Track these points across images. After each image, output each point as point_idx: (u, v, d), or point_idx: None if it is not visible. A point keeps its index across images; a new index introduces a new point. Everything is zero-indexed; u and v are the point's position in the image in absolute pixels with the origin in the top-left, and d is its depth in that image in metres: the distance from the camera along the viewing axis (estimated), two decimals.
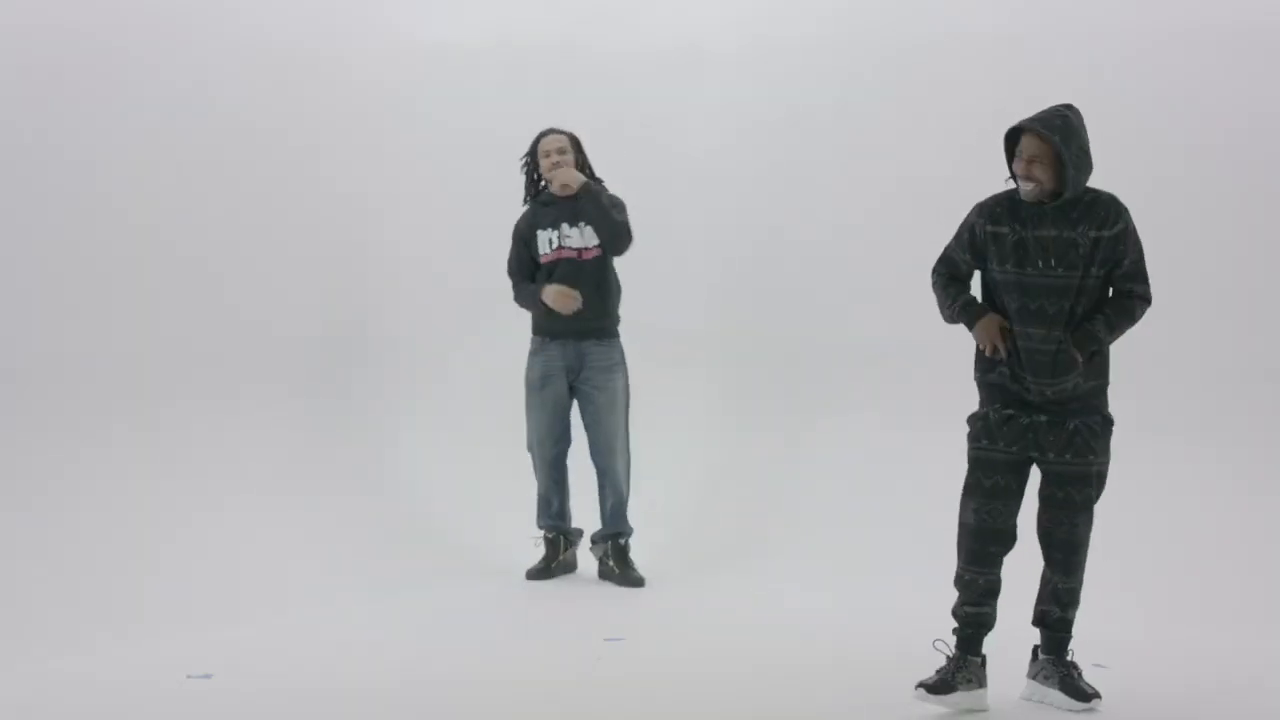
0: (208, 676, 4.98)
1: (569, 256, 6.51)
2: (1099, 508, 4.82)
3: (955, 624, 4.77)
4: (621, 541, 6.54)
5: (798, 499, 7.13)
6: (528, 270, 6.60)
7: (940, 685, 4.66)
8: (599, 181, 6.61)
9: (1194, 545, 6.23)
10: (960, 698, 4.67)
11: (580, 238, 6.51)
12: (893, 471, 6.86)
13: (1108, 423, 4.76)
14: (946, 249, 4.89)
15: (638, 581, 6.44)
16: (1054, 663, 4.72)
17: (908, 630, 4.92)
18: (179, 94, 6.91)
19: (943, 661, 4.73)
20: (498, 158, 6.90)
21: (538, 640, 5.73)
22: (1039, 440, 4.69)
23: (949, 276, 4.88)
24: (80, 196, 6.57)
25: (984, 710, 4.72)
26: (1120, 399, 6.71)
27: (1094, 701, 4.64)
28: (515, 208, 6.75)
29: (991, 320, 4.71)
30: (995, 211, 4.76)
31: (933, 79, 7.26)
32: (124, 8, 6.81)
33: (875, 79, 7.49)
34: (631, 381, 6.71)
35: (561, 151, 6.53)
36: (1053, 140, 4.60)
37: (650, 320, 7.55)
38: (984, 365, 4.79)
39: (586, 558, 6.72)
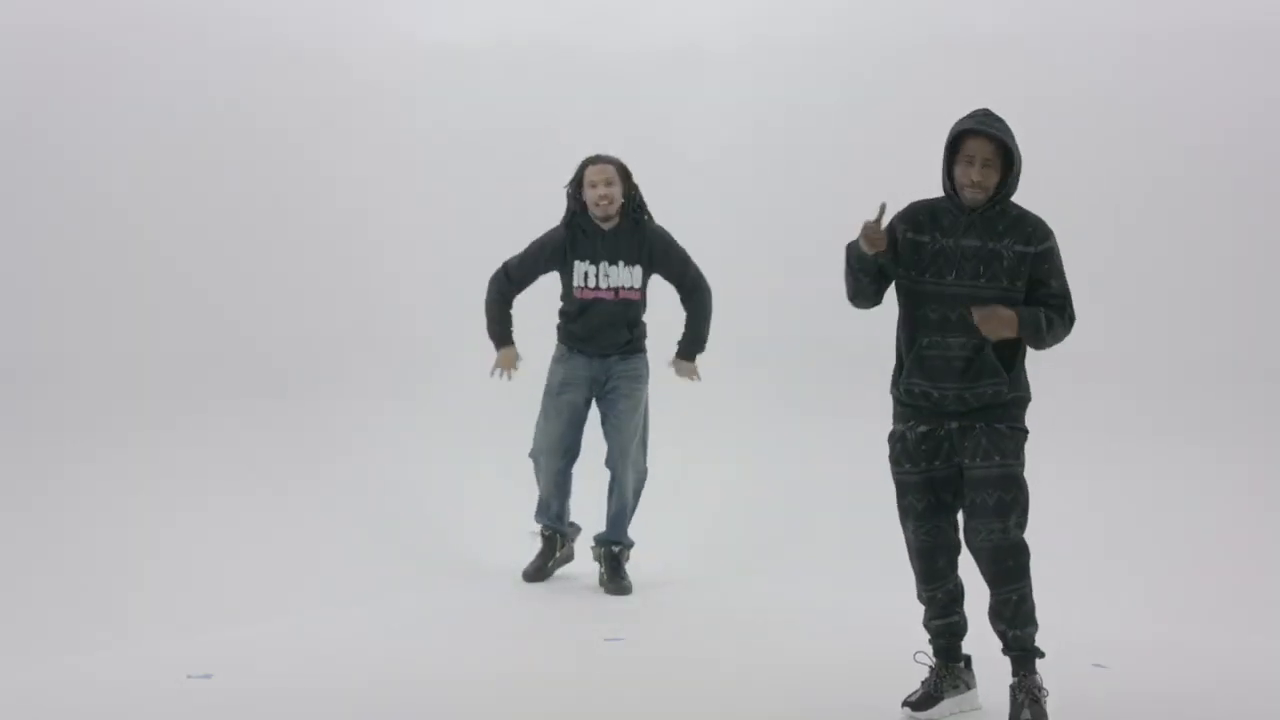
0: (208, 676, 4.98)
1: (606, 296, 6.38)
2: (1100, 507, 4.80)
3: (929, 636, 4.75)
4: (615, 550, 6.49)
5: (800, 500, 7.13)
6: (527, 281, 6.45)
7: (925, 700, 4.64)
8: (644, 211, 6.43)
9: (1194, 545, 6.23)
10: (949, 704, 4.66)
11: (620, 276, 6.38)
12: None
13: (1016, 431, 4.58)
14: None
15: (624, 590, 6.38)
16: (1012, 687, 4.56)
17: (911, 632, 4.91)
18: (178, 94, 6.92)
19: (926, 674, 4.72)
20: (497, 158, 6.91)
21: (538, 640, 5.73)
22: (955, 446, 4.60)
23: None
24: (80, 197, 6.58)
25: (978, 709, 4.73)
26: (1120, 400, 6.76)
27: None
28: (514, 208, 6.75)
29: (865, 228, 4.48)
30: (918, 219, 4.64)
31: (932, 79, 7.27)
32: (124, 8, 6.81)
33: (875, 79, 7.49)
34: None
35: (609, 183, 6.31)
36: (1005, 140, 4.53)
37: (649, 320, 7.55)
38: (896, 375, 4.70)
39: (584, 550, 6.71)
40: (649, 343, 6.59)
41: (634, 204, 6.40)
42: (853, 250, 4.61)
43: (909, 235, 4.62)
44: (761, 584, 6.47)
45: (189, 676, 4.98)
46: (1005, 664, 4.70)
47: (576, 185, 6.38)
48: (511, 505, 6.89)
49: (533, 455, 6.62)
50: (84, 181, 6.58)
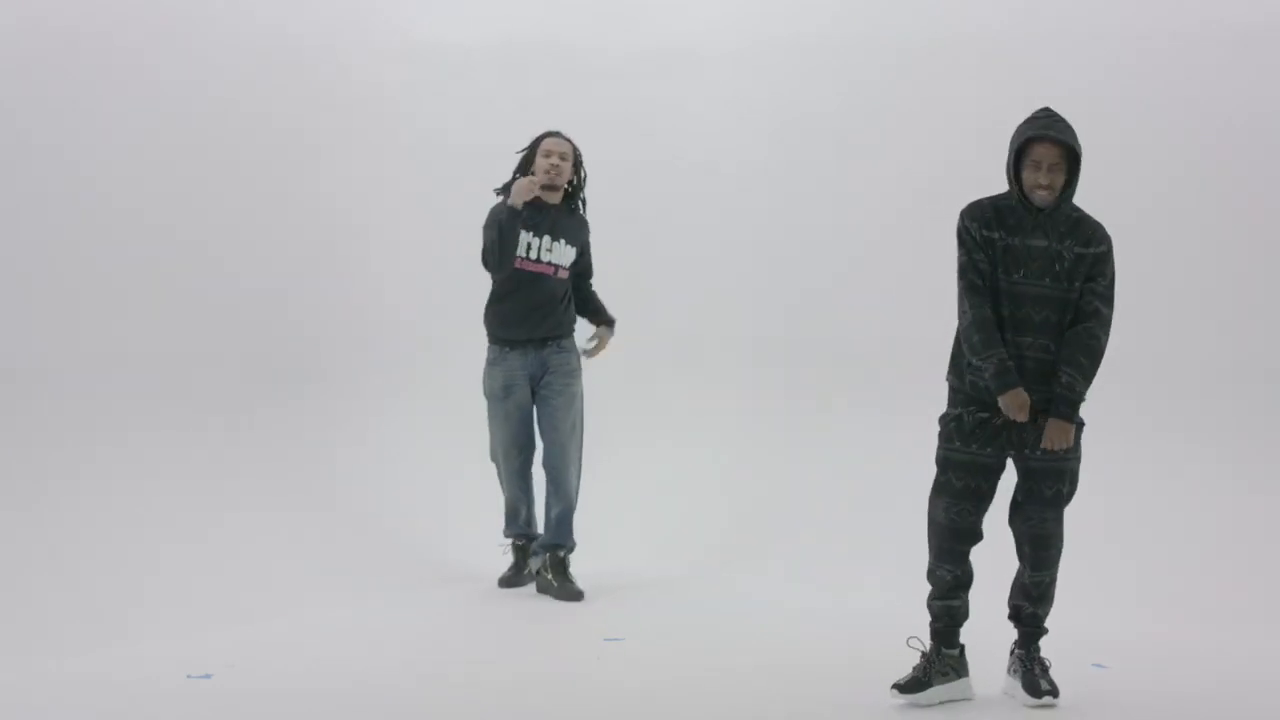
0: (208, 676, 4.99)
1: (544, 272, 6.36)
2: (1100, 507, 4.82)
3: (930, 618, 4.83)
4: (561, 554, 6.39)
5: (797, 500, 7.13)
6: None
7: (913, 684, 4.73)
8: (580, 196, 6.49)
9: (1194, 545, 6.24)
10: (937, 692, 4.73)
11: (560, 254, 6.39)
12: (893, 472, 6.86)
13: (1078, 425, 4.75)
14: (961, 262, 4.77)
15: (575, 595, 6.28)
16: (1022, 658, 4.76)
17: (908, 630, 4.92)
18: (175, 93, 6.91)
19: (918, 659, 4.80)
20: (496, 158, 6.89)
21: (537, 640, 5.73)
22: (1014, 438, 4.72)
23: (982, 311, 4.70)
24: (78, 197, 6.58)
25: (969, 699, 4.79)
26: (1121, 399, 6.74)
27: (1045, 698, 4.63)
28: None
29: (1019, 395, 4.66)
30: (985, 216, 4.75)
31: (933, 79, 7.27)
32: (121, 7, 6.81)
33: (876, 79, 7.49)
34: (629, 382, 6.68)
35: (564, 157, 6.36)
36: (1069, 143, 4.65)
37: (648, 321, 7.55)
38: (959, 369, 4.81)
39: None
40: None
41: (578, 191, 6.48)
42: (987, 381, 4.71)
43: (983, 232, 4.73)
44: (761, 583, 6.47)
45: (189, 676, 4.98)
46: (1001, 656, 4.76)
47: (530, 152, 6.42)
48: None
49: (492, 458, 6.58)
50: (82, 181, 6.58)
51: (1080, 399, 4.68)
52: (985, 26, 7.24)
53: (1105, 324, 4.72)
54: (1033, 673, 4.69)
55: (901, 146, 7.32)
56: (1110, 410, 6.75)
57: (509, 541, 6.61)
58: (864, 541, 6.59)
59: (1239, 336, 6.64)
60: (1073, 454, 4.74)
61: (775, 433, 7.50)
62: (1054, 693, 4.64)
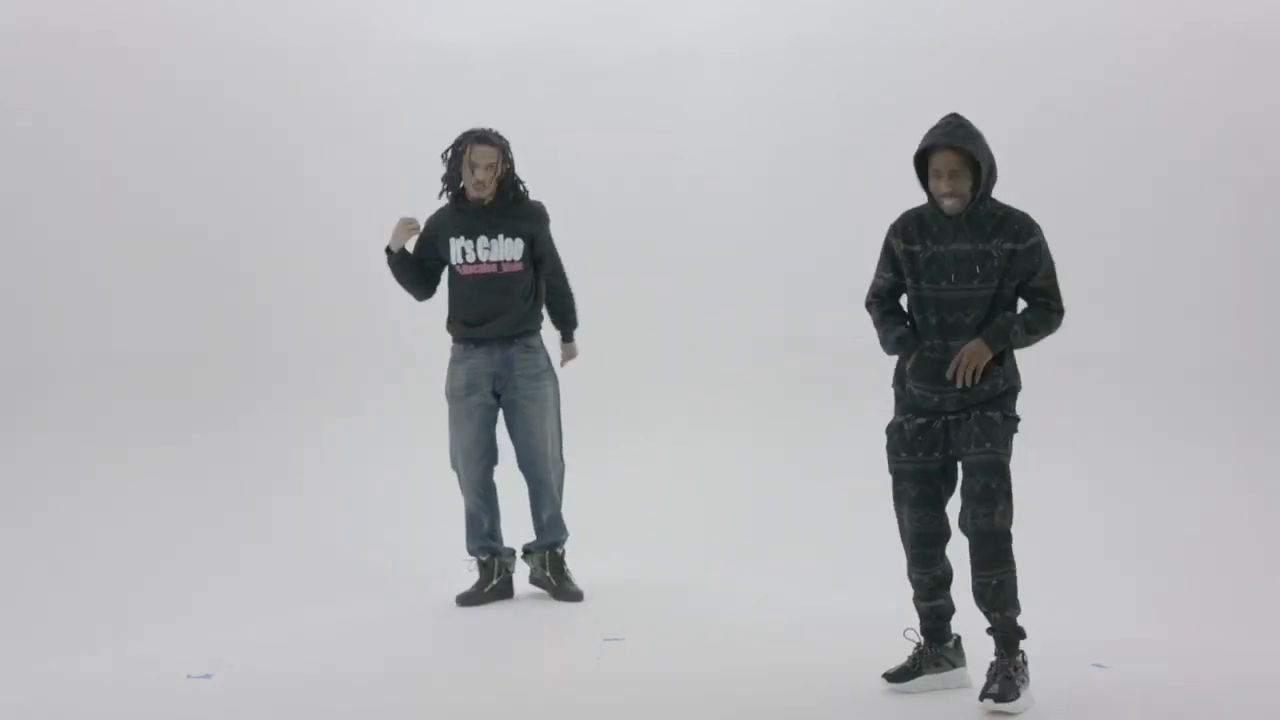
0: (208, 676, 4.99)
1: (488, 271, 6.19)
2: (1100, 507, 4.80)
3: (918, 616, 4.88)
4: (559, 551, 6.32)
5: (798, 499, 7.12)
6: (417, 265, 6.25)
7: (902, 673, 4.81)
8: (521, 185, 6.26)
9: (1194, 544, 6.23)
10: (927, 680, 4.79)
11: (499, 250, 6.18)
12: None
13: (1008, 419, 4.74)
14: (874, 278, 4.95)
15: (575, 595, 6.23)
16: (991, 664, 4.67)
17: (907, 629, 4.92)
18: (175, 94, 6.92)
19: (912, 649, 4.86)
20: None
21: (538, 640, 5.73)
22: (951, 437, 4.74)
23: (882, 308, 4.93)
24: (75, 198, 6.59)
25: (966, 687, 4.81)
26: (1120, 399, 6.77)
27: (985, 701, 4.56)
28: None
29: (916, 354, 4.76)
30: (907, 230, 4.80)
31: (933, 79, 7.27)
32: (122, 6, 6.81)
33: (876, 79, 7.49)
34: (628, 382, 6.65)
35: (489, 167, 6.12)
36: (967, 149, 4.64)
37: (649, 321, 7.55)
38: (901, 376, 4.85)
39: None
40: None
41: (512, 180, 6.23)
42: (890, 349, 4.87)
43: (903, 247, 4.81)
44: (761, 583, 6.46)
45: (189, 676, 4.98)
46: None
47: (455, 158, 6.20)
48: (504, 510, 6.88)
49: (453, 465, 6.35)
50: (79, 182, 6.59)
51: (1011, 335, 4.64)
52: (985, 26, 7.24)
53: (1059, 313, 4.73)
54: (1010, 677, 4.60)
55: (901, 146, 7.29)
56: (1110, 410, 6.78)
57: (473, 560, 6.33)
58: (863, 541, 6.57)
59: (1238, 335, 6.64)
60: (1002, 449, 4.68)
61: (774, 432, 7.49)
62: (996, 696, 4.55)
